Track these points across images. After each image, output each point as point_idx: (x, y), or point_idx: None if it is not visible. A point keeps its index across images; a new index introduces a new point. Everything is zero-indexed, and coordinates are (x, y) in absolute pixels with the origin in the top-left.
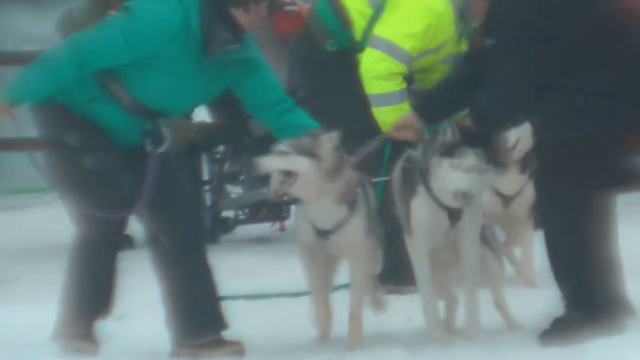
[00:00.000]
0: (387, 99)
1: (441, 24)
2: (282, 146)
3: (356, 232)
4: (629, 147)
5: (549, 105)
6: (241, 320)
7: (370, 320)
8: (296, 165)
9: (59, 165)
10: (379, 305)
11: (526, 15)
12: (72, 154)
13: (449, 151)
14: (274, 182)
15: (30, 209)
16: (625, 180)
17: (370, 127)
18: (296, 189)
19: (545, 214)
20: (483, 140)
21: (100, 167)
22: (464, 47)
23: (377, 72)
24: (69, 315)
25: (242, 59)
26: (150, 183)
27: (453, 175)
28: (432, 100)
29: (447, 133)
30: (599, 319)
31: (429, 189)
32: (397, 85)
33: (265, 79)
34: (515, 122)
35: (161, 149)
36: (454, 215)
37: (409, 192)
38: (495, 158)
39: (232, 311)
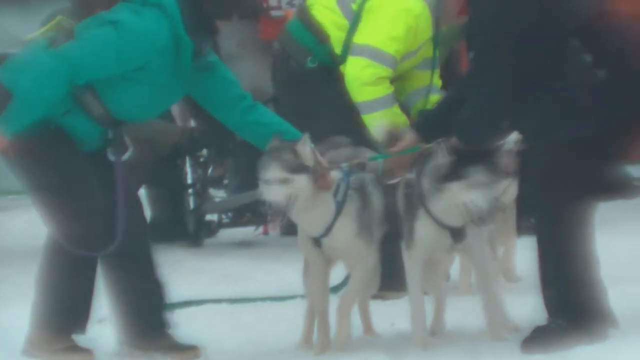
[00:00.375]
0: (377, 105)
1: (420, 25)
2: (274, 172)
3: (346, 233)
4: (613, 155)
5: (532, 111)
6: (224, 324)
7: (354, 325)
8: (297, 186)
9: (31, 173)
10: (368, 330)
11: (503, 24)
12: (43, 164)
13: (455, 173)
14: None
15: (16, 210)
16: (609, 189)
17: (360, 141)
18: (298, 206)
19: (536, 220)
20: (479, 156)
21: (71, 179)
22: (438, 51)
23: (364, 78)
24: (47, 327)
25: (208, 60)
26: (123, 209)
27: (468, 197)
28: (430, 121)
29: (439, 155)
30: (582, 327)
31: (429, 212)
32: (386, 89)
33: (225, 76)
34: (500, 134)
35: (124, 158)
36: (456, 233)
37: (411, 215)
38: (497, 169)
39: (215, 315)
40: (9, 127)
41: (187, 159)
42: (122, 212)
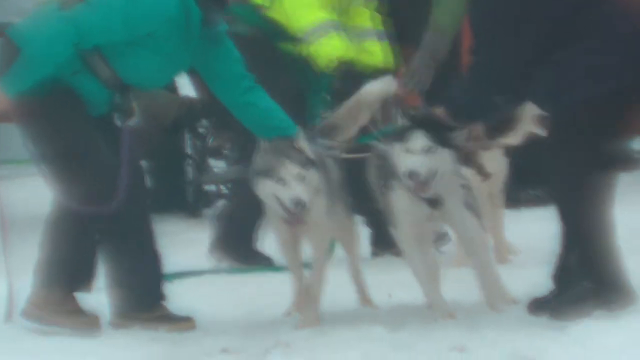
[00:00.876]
0: (321, 30)
1: None
2: (292, 169)
3: (318, 213)
4: (628, 128)
5: (544, 75)
6: (222, 294)
7: (351, 296)
8: (311, 180)
9: (38, 131)
10: (365, 301)
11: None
12: (50, 123)
13: (399, 136)
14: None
15: (18, 179)
16: (611, 162)
17: (298, 106)
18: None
19: (556, 190)
20: (434, 123)
21: (77, 138)
22: None
23: (302, 2)
24: (51, 286)
25: (217, 32)
26: (125, 168)
27: (403, 159)
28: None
29: (399, 121)
30: (603, 294)
31: (402, 182)
32: (327, 14)
33: (230, 52)
34: (491, 111)
35: (130, 123)
36: (432, 202)
37: (385, 187)
38: (451, 139)
39: (213, 285)
40: (11, 86)
41: (187, 130)
42: (125, 175)
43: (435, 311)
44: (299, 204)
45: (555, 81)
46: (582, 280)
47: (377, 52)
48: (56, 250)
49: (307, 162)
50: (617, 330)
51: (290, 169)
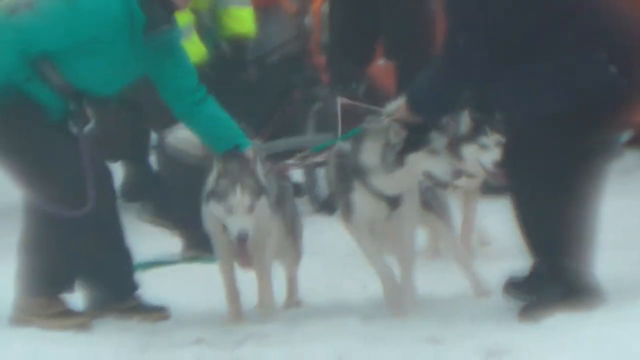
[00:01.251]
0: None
1: None
2: (241, 199)
3: (262, 224)
4: (601, 124)
5: (513, 84)
6: (196, 284)
7: (326, 288)
8: (261, 211)
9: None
10: (294, 304)
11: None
12: (9, 132)
13: (414, 144)
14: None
15: None
16: (599, 155)
17: None
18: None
19: (518, 191)
20: (430, 124)
21: (38, 145)
22: None
23: None
24: (37, 292)
25: (168, 40)
26: (88, 175)
27: (430, 164)
28: (426, 98)
29: (390, 134)
30: (575, 294)
31: (366, 183)
32: (185, 17)
33: (182, 64)
34: (454, 108)
35: (86, 130)
36: (392, 202)
37: (346, 187)
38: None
39: (187, 275)
40: None
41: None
42: (90, 179)
43: (386, 303)
44: (244, 237)
45: (527, 90)
46: (553, 278)
47: (245, 18)
48: (35, 256)
49: (259, 190)
50: (588, 323)
51: (238, 199)
